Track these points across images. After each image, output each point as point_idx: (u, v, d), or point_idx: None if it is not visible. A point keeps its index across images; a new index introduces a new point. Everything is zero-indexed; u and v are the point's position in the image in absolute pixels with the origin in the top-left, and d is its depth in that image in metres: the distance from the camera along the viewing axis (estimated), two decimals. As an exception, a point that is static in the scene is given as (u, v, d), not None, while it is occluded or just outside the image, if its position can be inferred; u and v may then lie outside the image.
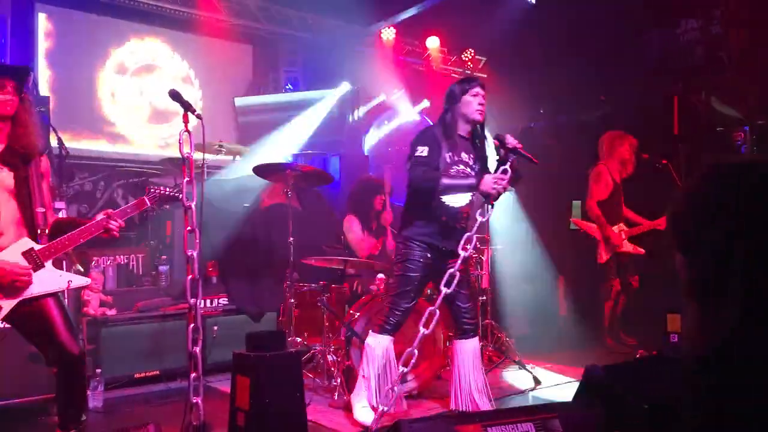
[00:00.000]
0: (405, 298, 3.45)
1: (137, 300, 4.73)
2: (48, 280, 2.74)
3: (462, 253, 3.15)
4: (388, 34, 7.84)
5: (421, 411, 3.74)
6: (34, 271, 2.70)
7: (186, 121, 2.83)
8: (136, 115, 6.77)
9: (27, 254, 2.70)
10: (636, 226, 5.67)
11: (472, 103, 3.45)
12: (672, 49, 6.97)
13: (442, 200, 3.44)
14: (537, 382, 4.39)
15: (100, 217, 2.87)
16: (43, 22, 6.25)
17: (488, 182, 3.23)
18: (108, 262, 4.93)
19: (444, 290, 3.13)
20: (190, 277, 2.67)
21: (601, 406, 2.47)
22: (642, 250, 5.62)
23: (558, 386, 4.36)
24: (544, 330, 6.37)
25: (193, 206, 2.77)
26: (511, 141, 3.27)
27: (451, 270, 3.11)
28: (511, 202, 6.39)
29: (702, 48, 6.77)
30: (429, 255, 3.41)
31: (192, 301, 2.65)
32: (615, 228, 5.60)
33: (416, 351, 3.07)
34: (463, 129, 3.52)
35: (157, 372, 4.46)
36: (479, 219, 3.20)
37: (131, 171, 6.36)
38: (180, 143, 2.75)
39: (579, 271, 6.29)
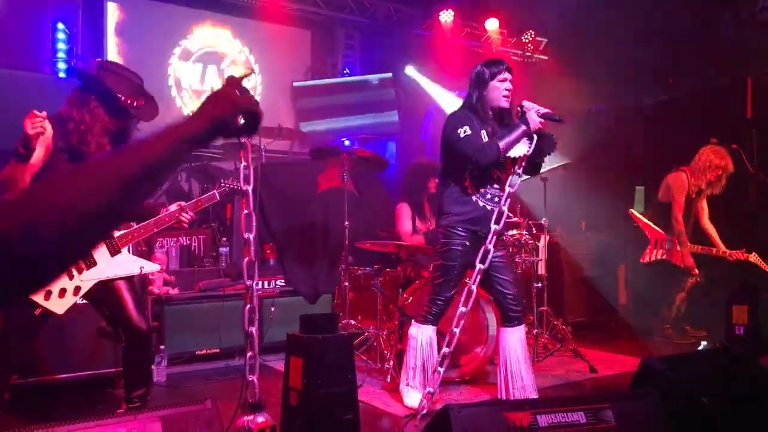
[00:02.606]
0: (445, 287, 3.45)
1: (198, 280, 4.89)
2: (123, 264, 3.00)
3: (493, 227, 3.16)
4: (447, 16, 7.75)
5: (470, 397, 3.75)
6: (112, 256, 2.95)
7: (243, 105, 2.88)
8: (198, 100, 6.96)
9: (107, 240, 2.95)
10: (707, 246, 5.43)
11: (500, 89, 3.39)
12: (748, 27, 6.62)
13: (483, 181, 3.40)
14: (593, 371, 4.31)
15: (173, 207, 3.14)
16: (112, 11, 6.48)
17: (533, 119, 3.24)
18: (171, 243, 5.11)
19: (479, 266, 3.17)
20: (246, 259, 2.73)
21: (657, 398, 2.41)
22: (697, 271, 5.37)
23: (614, 376, 4.27)
24: (603, 318, 6.24)
25: (250, 190, 2.83)
26: (531, 106, 3.28)
27: (486, 245, 3.15)
28: (569, 186, 6.26)
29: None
30: (468, 243, 3.37)
31: (248, 282, 2.71)
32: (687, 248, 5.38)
33: (456, 330, 3.12)
34: (491, 112, 3.47)
35: (217, 350, 4.61)
36: (508, 189, 3.23)
37: (194, 155, 6.54)
38: (238, 128, 2.80)
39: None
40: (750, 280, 4.83)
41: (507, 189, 3.25)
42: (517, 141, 3.27)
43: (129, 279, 3.04)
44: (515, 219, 5.12)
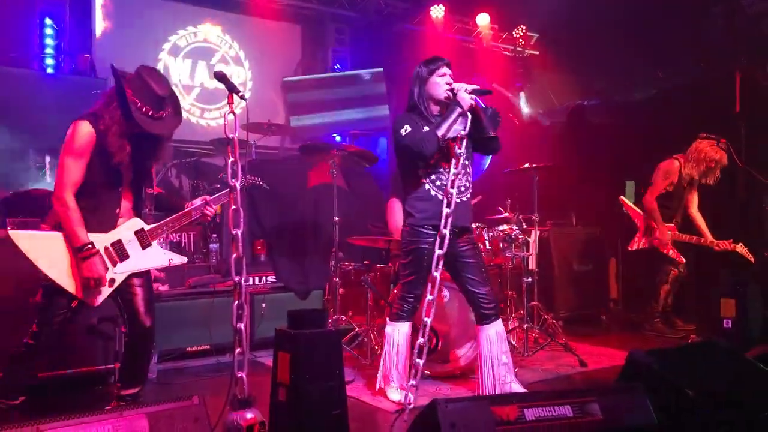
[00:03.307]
0: (415, 285, 3.50)
1: (188, 276, 4.88)
2: (154, 256, 3.14)
3: (445, 210, 3.28)
4: (438, 11, 7.75)
5: (460, 392, 3.75)
6: (143, 248, 3.08)
7: (231, 102, 2.88)
8: (188, 95, 6.93)
9: (139, 233, 3.08)
10: (692, 234, 5.46)
11: (440, 84, 3.46)
12: (736, 22, 6.64)
13: (436, 173, 3.45)
14: (583, 365, 4.33)
15: (198, 202, 3.29)
16: (100, 7, 6.43)
17: (463, 97, 3.33)
18: (161, 240, 5.08)
19: (437, 252, 3.25)
20: (234, 255, 2.73)
21: (644, 391, 2.43)
22: (683, 260, 5.40)
23: (604, 370, 4.29)
24: (593, 313, 6.27)
25: (238, 186, 2.83)
26: (459, 86, 3.38)
27: (441, 231, 3.25)
28: (559, 181, 6.28)
29: (769, 20, 6.43)
30: (434, 240, 3.36)
31: (236, 278, 2.71)
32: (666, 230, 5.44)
33: (428, 320, 3.20)
34: (434, 109, 3.52)
35: (208, 346, 4.59)
36: (453, 171, 3.32)
37: (184, 151, 6.52)
38: (225, 124, 2.80)
39: (631, 253, 6.14)
40: (739, 274, 4.86)
41: (451, 171, 3.33)
42: (453, 122, 3.34)
43: (146, 273, 3.14)
44: (505, 214, 5.14)
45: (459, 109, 3.34)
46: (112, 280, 2.98)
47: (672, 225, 5.47)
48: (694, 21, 6.70)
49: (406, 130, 3.36)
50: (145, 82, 2.93)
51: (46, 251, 2.82)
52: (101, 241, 2.94)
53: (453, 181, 3.34)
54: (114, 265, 2.99)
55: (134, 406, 2.18)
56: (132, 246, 3.05)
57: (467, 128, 3.36)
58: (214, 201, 3.33)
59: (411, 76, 3.59)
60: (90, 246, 2.86)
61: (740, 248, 5.16)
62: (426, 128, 3.37)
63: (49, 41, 6.04)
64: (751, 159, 5.46)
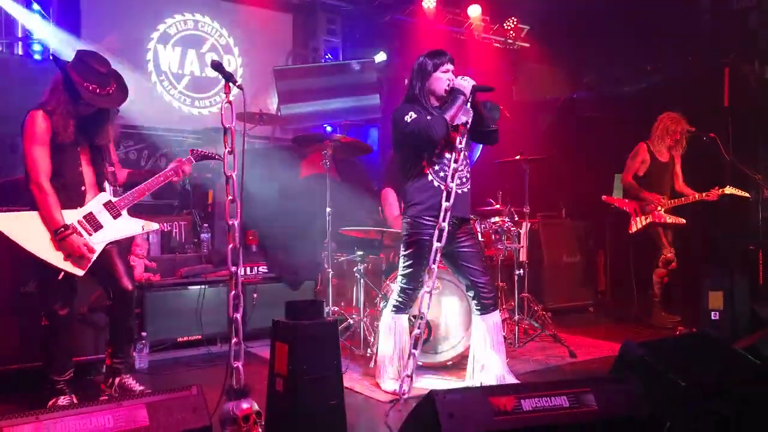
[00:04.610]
0: (414, 277, 3.49)
1: (180, 267, 4.86)
2: (125, 225, 3.34)
3: (444, 204, 3.29)
4: (429, 2, 7.71)
5: (452, 382, 3.78)
6: (114, 218, 3.28)
7: (228, 91, 2.87)
8: (178, 84, 6.86)
9: (107, 205, 3.28)
10: (682, 197, 5.56)
11: (443, 79, 3.45)
12: (724, 17, 6.69)
13: (439, 163, 3.44)
14: (572, 355, 4.38)
15: (172, 165, 3.50)
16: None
17: (461, 83, 3.36)
18: (160, 228, 5.05)
19: (436, 245, 3.26)
20: (231, 245, 2.72)
21: (637, 382, 2.46)
22: (683, 221, 5.51)
23: (593, 360, 4.35)
24: (583, 304, 6.34)
25: (234, 176, 2.82)
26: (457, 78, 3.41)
27: (440, 224, 3.26)
28: (549, 173, 6.31)
29: (756, 14, 6.48)
30: (434, 232, 3.36)
31: (233, 269, 2.71)
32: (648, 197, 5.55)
33: (425, 311, 3.22)
34: (434, 103, 3.51)
35: (199, 336, 4.59)
36: (453, 166, 3.34)
37: (174, 139, 6.47)
38: (221, 114, 2.78)
39: (619, 245, 6.21)
40: (726, 267, 4.93)
41: (452, 165, 3.34)
42: (459, 109, 3.35)
43: (118, 244, 3.36)
44: (497, 206, 5.16)
45: (462, 97, 3.34)
46: (92, 249, 3.15)
47: (656, 195, 5.58)
48: (683, 15, 6.75)
49: (411, 116, 3.34)
50: (87, 63, 3.16)
51: (26, 230, 3.02)
52: (74, 215, 3.16)
53: (453, 174, 3.34)
54: (90, 235, 3.19)
55: (133, 396, 2.18)
56: (103, 216, 3.26)
57: (469, 120, 3.36)
58: (185, 162, 3.54)
59: (412, 68, 3.54)
60: (64, 227, 3.06)
61: (729, 189, 5.29)
62: (428, 118, 3.36)
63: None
64: (739, 153, 5.54)
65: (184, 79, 6.92)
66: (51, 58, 3.24)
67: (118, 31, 6.48)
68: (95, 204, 3.26)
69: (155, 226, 3.53)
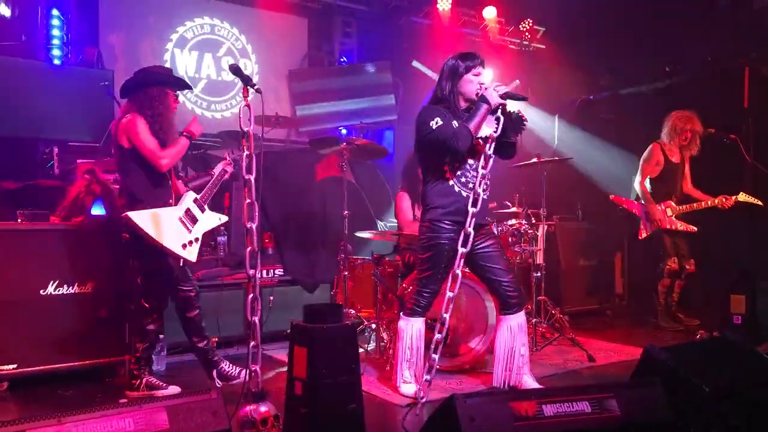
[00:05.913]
0: (432, 280, 3.46)
1: (196, 269, 4.86)
2: (210, 218, 3.76)
3: (471, 210, 3.21)
4: (444, 4, 7.70)
5: (470, 386, 3.75)
6: (202, 212, 3.69)
7: (246, 95, 2.87)
8: (194, 87, 6.90)
9: (195, 201, 3.70)
10: (694, 203, 5.49)
11: (473, 82, 3.41)
12: (744, 17, 6.61)
13: (461, 169, 3.41)
14: (591, 360, 4.34)
15: (220, 166, 3.92)
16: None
17: (491, 95, 3.28)
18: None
19: (461, 250, 3.19)
20: (249, 249, 2.72)
21: (660, 387, 2.43)
22: (694, 228, 5.43)
23: (613, 364, 4.30)
24: (600, 307, 6.28)
25: (252, 179, 2.82)
26: (489, 84, 3.35)
27: (466, 229, 3.19)
28: (566, 175, 6.27)
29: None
30: (454, 236, 3.33)
31: (251, 272, 2.71)
32: (660, 206, 5.48)
33: (446, 315, 3.14)
34: (463, 106, 3.48)
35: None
36: (481, 172, 3.27)
37: (192, 143, 6.48)
38: (240, 117, 2.79)
39: (636, 248, 6.14)
40: (748, 269, 4.86)
41: (480, 171, 3.27)
42: (482, 120, 3.30)
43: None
44: (513, 209, 5.13)
45: (486, 106, 3.28)
46: (197, 239, 3.58)
47: (669, 201, 5.51)
48: (702, 15, 6.68)
49: (437, 123, 3.29)
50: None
51: (155, 225, 3.39)
52: (177, 212, 3.55)
53: (481, 181, 3.27)
54: (193, 225, 3.60)
55: (153, 399, 2.18)
56: (196, 212, 3.67)
57: (499, 130, 3.28)
58: (228, 163, 3.95)
59: (442, 68, 3.49)
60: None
61: (743, 196, 5.21)
62: (454, 122, 3.32)
63: (55, 32, 6.00)
64: (759, 154, 5.46)
65: (200, 83, 6.97)
66: (138, 72, 3.63)
67: (136, 36, 6.54)
68: (189, 200, 3.66)
69: (225, 218, 3.91)
